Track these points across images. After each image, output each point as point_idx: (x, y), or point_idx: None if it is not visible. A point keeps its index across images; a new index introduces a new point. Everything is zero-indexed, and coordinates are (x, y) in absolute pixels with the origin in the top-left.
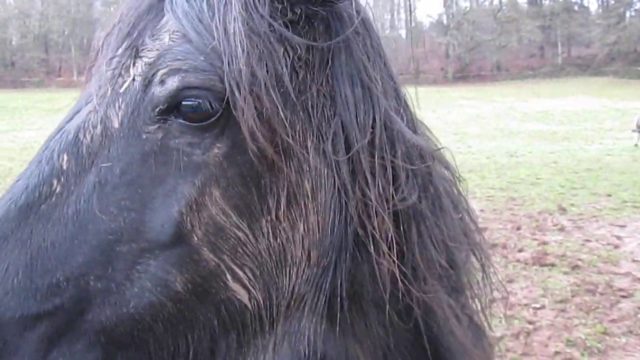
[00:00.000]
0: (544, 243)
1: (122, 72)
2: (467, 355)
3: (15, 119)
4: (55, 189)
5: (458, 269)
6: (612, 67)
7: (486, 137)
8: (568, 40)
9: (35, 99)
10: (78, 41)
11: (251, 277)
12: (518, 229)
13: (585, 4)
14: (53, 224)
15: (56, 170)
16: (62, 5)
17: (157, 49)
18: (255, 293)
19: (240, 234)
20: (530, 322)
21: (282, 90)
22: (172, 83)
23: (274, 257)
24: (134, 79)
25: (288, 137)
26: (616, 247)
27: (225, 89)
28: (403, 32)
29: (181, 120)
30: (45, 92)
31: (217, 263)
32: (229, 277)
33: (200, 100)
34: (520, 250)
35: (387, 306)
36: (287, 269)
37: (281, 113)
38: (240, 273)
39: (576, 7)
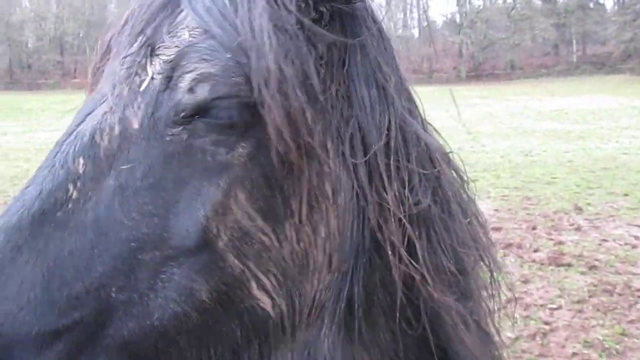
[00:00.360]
0: (560, 243)
1: (138, 71)
2: None
3: (32, 120)
4: (72, 194)
5: (466, 275)
6: (628, 64)
7: (500, 136)
8: (583, 38)
9: (51, 100)
10: (92, 43)
11: (275, 284)
12: (533, 228)
13: (601, 1)
14: (70, 232)
15: (72, 174)
16: (76, 7)
17: (176, 46)
18: (279, 301)
19: (265, 239)
20: (546, 323)
21: (306, 89)
22: (202, 93)
23: (297, 263)
24: (152, 78)
25: (311, 138)
26: (634, 247)
27: (252, 89)
28: (416, 32)
29: (207, 119)
30: (60, 94)
31: (242, 270)
32: (253, 284)
33: (229, 107)
34: (535, 250)
35: (397, 313)
36: (310, 274)
37: (307, 113)
38: (265, 280)
39: (591, 4)
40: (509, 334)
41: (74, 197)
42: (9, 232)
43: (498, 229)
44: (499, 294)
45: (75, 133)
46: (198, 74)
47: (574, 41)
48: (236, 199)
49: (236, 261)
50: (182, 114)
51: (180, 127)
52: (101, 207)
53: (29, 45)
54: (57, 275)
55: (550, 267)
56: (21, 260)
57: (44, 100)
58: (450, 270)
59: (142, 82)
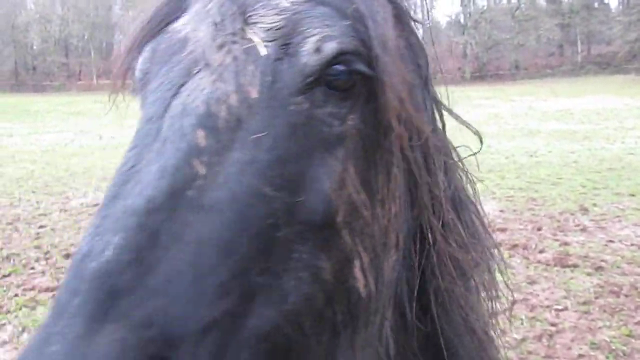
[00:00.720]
0: (566, 244)
1: (236, 39)
2: (482, 355)
3: (37, 122)
4: (198, 170)
5: (472, 269)
6: (633, 65)
7: (505, 136)
8: (588, 38)
9: (56, 102)
10: (97, 45)
11: (369, 262)
12: (539, 229)
13: (606, 1)
14: (206, 212)
15: (193, 148)
16: (81, 9)
17: (276, 14)
18: (369, 281)
19: (366, 214)
20: (552, 324)
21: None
22: (329, 50)
23: (381, 240)
24: (263, 46)
25: (417, 108)
26: None
27: (369, 55)
28: (420, 32)
29: (325, 88)
30: (65, 96)
31: (351, 247)
32: (357, 262)
33: (350, 67)
34: (541, 251)
35: (412, 305)
36: (387, 253)
37: (414, 82)
38: (365, 257)
39: (596, 4)
40: (514, 335)
41: (201, 173)
42: (140, 217)
43: (503, 230)
44: (497, 295)
45: (178, 105)
46: (323, 36)
47: (579, 41)
48: (348, 172)
49: (348, 237)
50: (309, 79)
51: (303, 96)
52: (233, 183)
53: (34, 47)
54: (202, 261)
55: (556, 268)
56: (160, 247)
57: (49, 102)
58: (460, 261)
59: (247, 50)
